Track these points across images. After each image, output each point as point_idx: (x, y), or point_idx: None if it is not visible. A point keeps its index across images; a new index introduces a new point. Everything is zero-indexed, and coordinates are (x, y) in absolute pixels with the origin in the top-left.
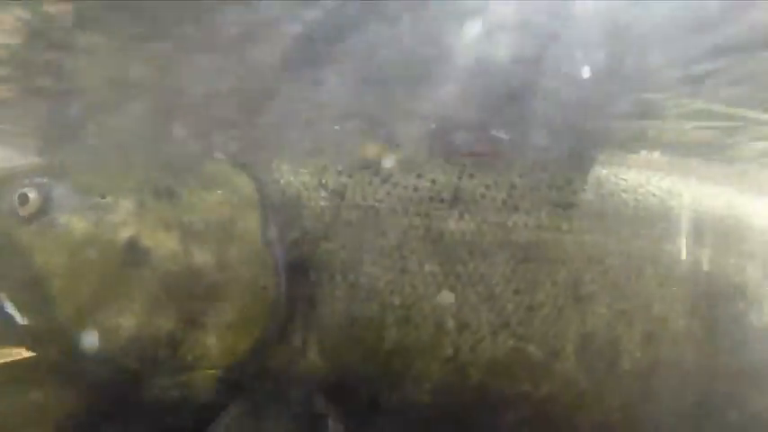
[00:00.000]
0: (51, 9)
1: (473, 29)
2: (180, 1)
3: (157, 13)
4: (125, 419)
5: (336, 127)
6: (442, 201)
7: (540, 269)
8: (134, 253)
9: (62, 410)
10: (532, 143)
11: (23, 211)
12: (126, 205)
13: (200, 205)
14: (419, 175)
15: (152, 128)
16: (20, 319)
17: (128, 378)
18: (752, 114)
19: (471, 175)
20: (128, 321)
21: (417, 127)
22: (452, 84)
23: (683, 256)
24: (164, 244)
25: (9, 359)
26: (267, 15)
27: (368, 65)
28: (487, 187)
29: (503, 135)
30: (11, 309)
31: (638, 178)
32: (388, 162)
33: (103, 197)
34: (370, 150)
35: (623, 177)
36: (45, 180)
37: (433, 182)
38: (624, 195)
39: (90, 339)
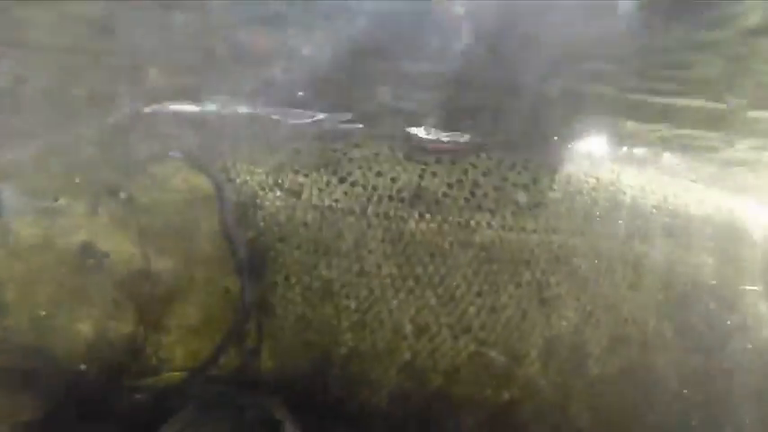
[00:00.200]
0: None
1: None
2: None
3: None
4: (89, 426)
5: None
6: (402, 200)
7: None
8: (90, 257)
9: (22, 419)
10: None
11: None
12: (79, 208)
13: (157, 207)
14: (379, 174)
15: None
16: None
17: (90, 384)
18: None
19: (434, 174)
20: (86, 327)
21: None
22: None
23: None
24: (119, 247)
25: None
26: None
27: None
28: (450, 186)
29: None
30: None
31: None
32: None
33: (56, 200)
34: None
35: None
36: None
37: (394, 180)
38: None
39: (47, 346)
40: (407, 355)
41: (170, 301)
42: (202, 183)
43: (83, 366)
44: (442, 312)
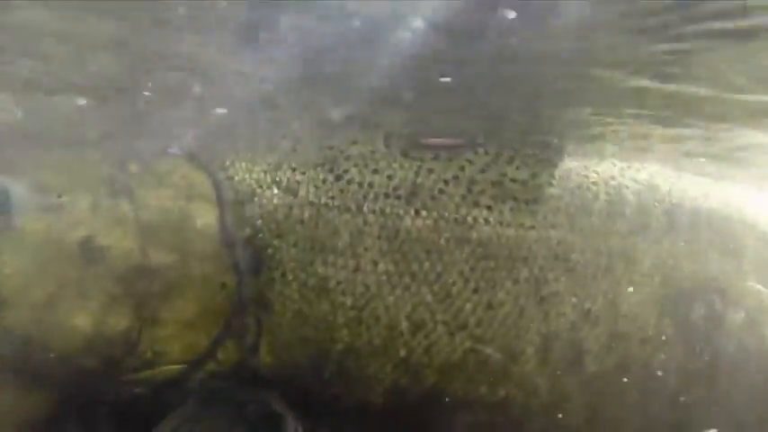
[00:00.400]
0: None
1: None
2: None
3: None
4: (87, 418)
5: None
6: (398, 197)
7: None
8: (89, 251)
9: (22, 412)
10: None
11: None
12: (82, 204)
13: (156, 203)
14: (375, 171)
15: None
16: None
17: (88, 377)
18: None
19: (430, 171)
20: (85, 320)
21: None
22: None
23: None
24: (119, 243)
25: None
26: None
27: None
28: (446, 182)
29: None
30: None
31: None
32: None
33: (60, 196)
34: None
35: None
36: None
37: (390, 178)
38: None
39: (46, 339)
40: (403, 352)
41: (166, 296)
42: (201, 180)
43: (81, 359)
44: (437, 309)
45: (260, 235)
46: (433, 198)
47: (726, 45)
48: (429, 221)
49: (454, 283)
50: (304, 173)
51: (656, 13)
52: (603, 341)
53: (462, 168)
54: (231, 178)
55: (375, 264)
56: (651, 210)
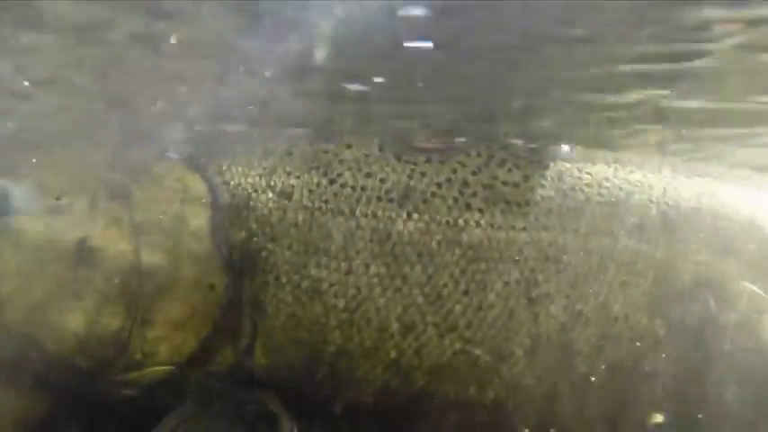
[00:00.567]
0: None
1: None
2: None
3: None
4: (78, 418)
5: None
6: (390, 200)
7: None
8: (84, 252)
9: (16, 411)
10: None
11: None
12: (80, 206)
13: (151, 206)
14: (368, 175)
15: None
16: None
17: (80, 377)
18: None
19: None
20: (78, 320)
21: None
22: None
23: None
24: (113, 244)
25: None
26: None
27: None
28: (439, 185)
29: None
30: None
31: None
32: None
33: (59, 198)
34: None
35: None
36: None
37: (383, 181)
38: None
39: (42, 339)
40: (393, 354)
41: (157, 297)
42: (198, 184)
43: (73, 359)
44: (428, 311)
45: (255, 238)
46: (425, 201)
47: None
48: (421, 224)
49: (445, 286)
50: (298, 177)
51: None
52: (594, 342)
53: (455, 171)
54: (227, 183)
55: (367, 266)
56: (645, 211)
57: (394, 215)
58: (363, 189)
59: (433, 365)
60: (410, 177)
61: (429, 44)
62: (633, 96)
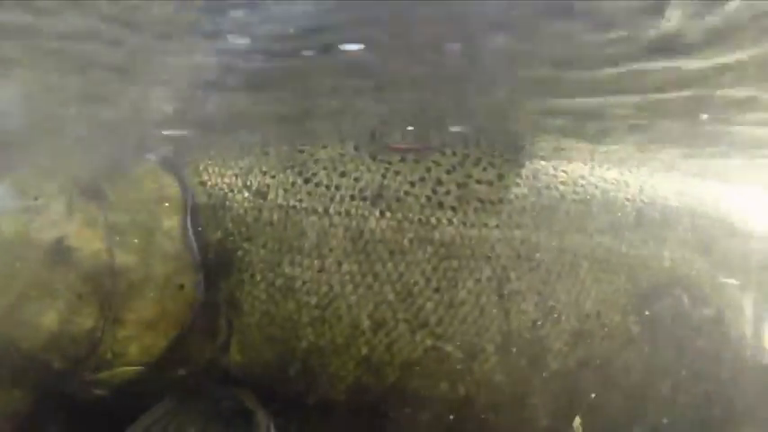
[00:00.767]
0: None
1: None
2: None
3: None
4: (50, 417)
5: None
6: (364, 199)
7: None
8: (60, 252)
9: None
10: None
11: None
12: (56, 206)
13: (125, 206)
14: (343, 174)
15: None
16: None
17: (52, 375)
18: None
19: (397, 173)
20: (51, 319)
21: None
22: None
23: None
24: (88, 244)
25: None
26: None
27: None
28: (412, 184)
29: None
30: None
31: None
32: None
33: (36, 198)
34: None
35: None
36: None
37: (357, 180)
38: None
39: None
40: (365, 350)
41: (129, 296)
42: (174, 184)
43: (46, 357)
44: (399, 308)
45: (231, 238)
46: (397, 200)
47: None
48: (393, 222)
49: (416, 283)
50: (274, 176)
51: None
52: (566, 339)
53: (428, 170)
54: (204, 183)
55: (339, 264)
56: (621, 208)
57: (367, 213)
58: (337, 188)
59: (404, 362)
60: (384, 176)
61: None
62: None
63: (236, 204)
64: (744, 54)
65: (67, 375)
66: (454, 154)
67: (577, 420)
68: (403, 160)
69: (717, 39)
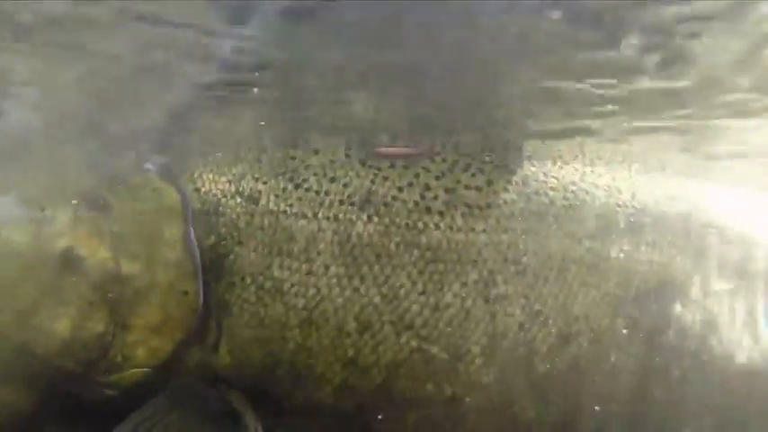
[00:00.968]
0: None
1: None
2: None
3: None
4: (63, 417)
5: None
6: (352, 204)
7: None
8: (69, 261)
9: (5, 409)
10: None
11: None
12: (63, 217)
13: (129, 216)
14: (332, 180)
15: None
16: None
17: (65, 378)
18: None
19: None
20: (63, 325)
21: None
22: None
23: None
24: (95, 253)
25: None
26: None
27: None
28: (400, 189)
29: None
30: None
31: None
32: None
33: (43, 210)
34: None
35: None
36: None
37: (346, 185)
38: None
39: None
40: (351, 352)
41: (136, 303)
42: (171, 192)
43: (60, 361)
44: (385, 310)
45: (223, 242)
46: (385, 204)
47: None
48: (380, 227)
49: (402, 286)
50: (266, 182)
51: None
52: (552, 342)
53: (417, 176)
54: (198, 190)
55: (327, 267)
56: (611, 214)
57: (354, 218)
58: (327, 193)
59: (388, 363)
60: (372, 182)
61: None
62: None
63: (229, 210)
64: None
65: (80, 378)
66: (444, 160)
67: None
68: (392, 166)
69: None
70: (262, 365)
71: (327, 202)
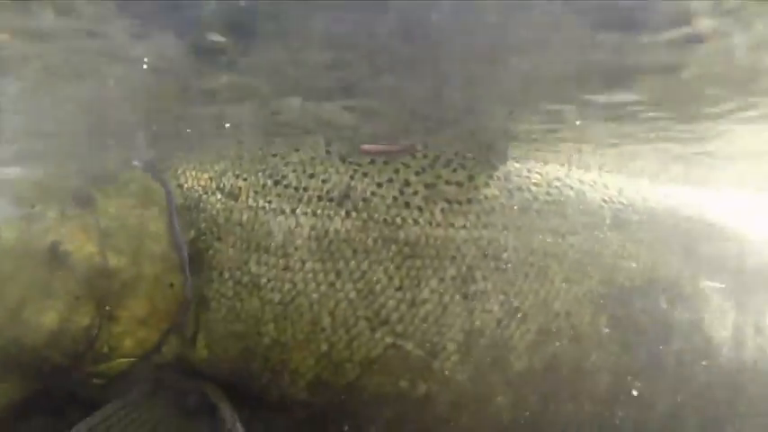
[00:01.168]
0: None
1: None
2: None
3: None
4: (51, 408)
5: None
6: (330, 200)
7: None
8: (56, 256)
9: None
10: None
11: None
12: (51, 213)
13: (115, 211)
14: (311, 176)
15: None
16: None
17: (53, 369)
18: None
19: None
20: (51, 318)
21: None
22: None
23: None
24: (82, 248)
25: None
26: None
27: None
28: (379, 185)
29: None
30: None
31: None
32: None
33: (33, 206)
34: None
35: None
36: None
37: (325, 181)
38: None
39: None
40: (325, 346)
41: (123, 295)
42: (156, 188)
43: (48, 353)
44: (360, 305)
45: (203, 237)
46: (364, 200)
47: None
48: (358, 222)
49: (378, 281)
50: (246, 179)
51: None
52: (531, 339)
53: (397, 171)
54: (181, 186)
55: (303, 262)
56: (596, 210)
57: (332, 213)
58: (305, 189)
59: (363, 358)
60: (352, 178)
61: None
62: None
63: (209, 206)
64: None
65: (68, 368)
66: (425, 156)
67: None
68: (372, 162)
69: None
70: (237, 360)
71: (306, 197)
